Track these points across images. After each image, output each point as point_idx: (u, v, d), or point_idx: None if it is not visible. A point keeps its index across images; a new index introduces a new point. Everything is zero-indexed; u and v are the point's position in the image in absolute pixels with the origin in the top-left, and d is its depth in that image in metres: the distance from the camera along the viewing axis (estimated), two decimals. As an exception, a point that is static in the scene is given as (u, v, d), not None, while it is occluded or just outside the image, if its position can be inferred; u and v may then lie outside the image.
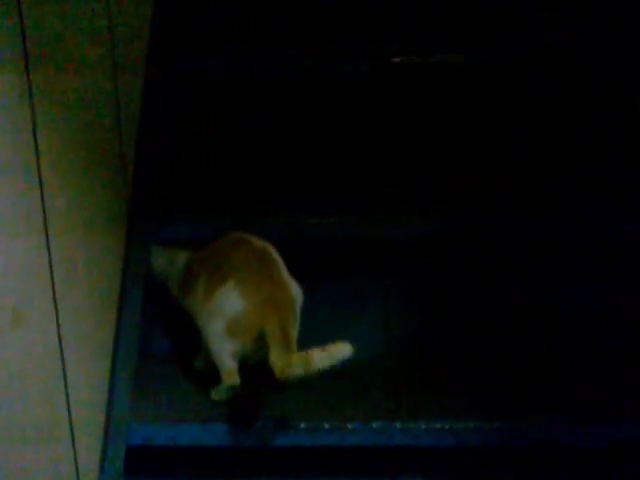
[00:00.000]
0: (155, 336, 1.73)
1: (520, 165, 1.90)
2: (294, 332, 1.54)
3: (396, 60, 1.91)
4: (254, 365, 1.56)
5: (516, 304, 1.78)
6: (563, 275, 1.79)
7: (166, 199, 1.79)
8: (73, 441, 1.39)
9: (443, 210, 1.77)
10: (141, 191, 1.71)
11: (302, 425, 1.53)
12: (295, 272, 1.61)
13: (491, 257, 1.79)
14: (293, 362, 1.47)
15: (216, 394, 1.57)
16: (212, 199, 1.85)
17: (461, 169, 1.90)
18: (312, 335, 1.55)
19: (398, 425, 1.52)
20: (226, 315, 1.54)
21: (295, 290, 1.58)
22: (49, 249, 1.30)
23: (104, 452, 1.52)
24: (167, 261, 1.69)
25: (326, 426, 1.53)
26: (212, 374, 1.60)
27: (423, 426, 1.52)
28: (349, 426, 1.53)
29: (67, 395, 1.36)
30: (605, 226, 1.71)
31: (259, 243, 1.60)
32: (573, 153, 1.90)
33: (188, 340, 1.65)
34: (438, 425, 1.52)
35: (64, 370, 1.35)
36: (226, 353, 1.55)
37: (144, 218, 1.69)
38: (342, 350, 1.45)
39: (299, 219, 1.75)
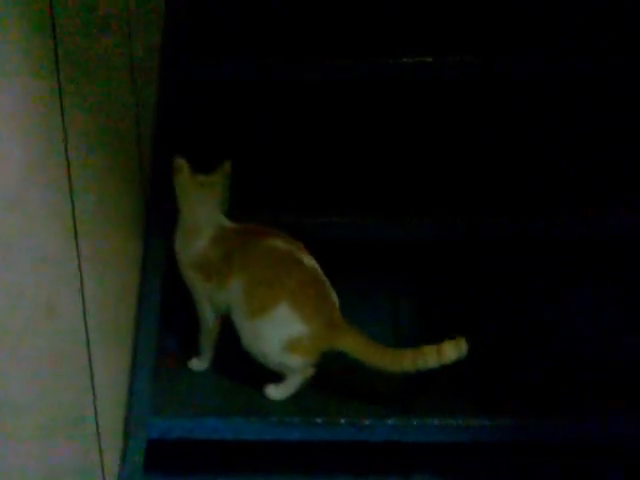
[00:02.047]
0: (174, 330, 1.75)
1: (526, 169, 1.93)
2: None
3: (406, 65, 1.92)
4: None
5: (524, 305, 1.82)
6: (570, 277, 1.83)
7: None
8: (98, 434, 1.42)
9: (453, 213, 1.79)
10: (157, 192, 1.74)
11: (318, 420, 1.57)
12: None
13: (500, 259, 1.83)
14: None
15: (280, 393, 1.60)
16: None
17: (467, 174, 1.93)
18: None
19: (414, 422, 1.55)
20: (285, 335, 1.54)
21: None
22: (77, 246, 1.33)
23: (125, 445, 1.55)
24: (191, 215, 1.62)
25: (342, 421, 1.56)
26: (229, 368, 1.64)
27: (437, 423, 1.55)
28: (365, 422, 1.56)
29: (93, 389, 1.39)
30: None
31: (308, 261, 1.58)
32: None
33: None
34: (452, 422, 1.55)
35: (90, 364, 1.38)
36: (290, 360, 1.56)
37: (161, 218, 1.72)
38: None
39: (307, 220, 1.77)
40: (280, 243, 1.58)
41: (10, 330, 1.13)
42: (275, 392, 1.60)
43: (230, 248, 1.60)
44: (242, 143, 1.97)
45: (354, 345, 1.54)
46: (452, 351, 1.48)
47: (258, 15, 2.04)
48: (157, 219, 1.72)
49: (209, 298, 1.62)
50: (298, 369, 1.58)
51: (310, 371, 1.59)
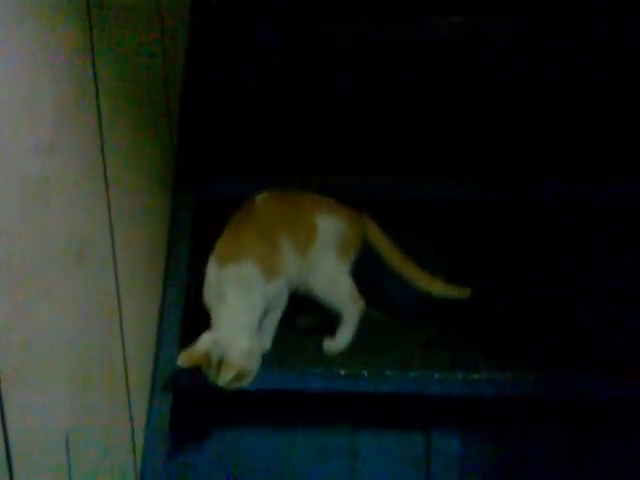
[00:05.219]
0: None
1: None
2: None
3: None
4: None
5: (550, 264, 1.83)
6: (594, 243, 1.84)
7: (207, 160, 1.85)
8: (126, 377, 1.45)
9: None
10: (184, 155, 1.80)
11: (342, 372, 1.59)
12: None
13: (525, 219, 1.84)
14: None
15: (342, 340, 1.65)
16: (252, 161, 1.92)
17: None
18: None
19: (436, 375, 1.57)
20: (335, 241, 1.63)
21: None
22: (108, 194, 1.36)
23: (152, 394, 1.58)
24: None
25: (364, 373, 1.59)
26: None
27: (460, 376, 1.57)
28: (387, 374, 1.58)
29: (122, 334, 1.42)
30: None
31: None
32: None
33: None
34: (476, 376, 1.56)
35: (120, 310, 1.41)
36: (348, 278, 1.65)
37: (188, 176, 1.77)
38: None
39: (333, 179, 1.81)
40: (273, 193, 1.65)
41: (43, 273, 1.15)
42: (336, 343, 1.64)
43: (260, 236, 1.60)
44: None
45: (377, 235, 1.68)
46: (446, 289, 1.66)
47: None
48: (185, 170, 1.77)
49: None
50: (351, 285, 1.64)
51: (362, 303, 1.64)
